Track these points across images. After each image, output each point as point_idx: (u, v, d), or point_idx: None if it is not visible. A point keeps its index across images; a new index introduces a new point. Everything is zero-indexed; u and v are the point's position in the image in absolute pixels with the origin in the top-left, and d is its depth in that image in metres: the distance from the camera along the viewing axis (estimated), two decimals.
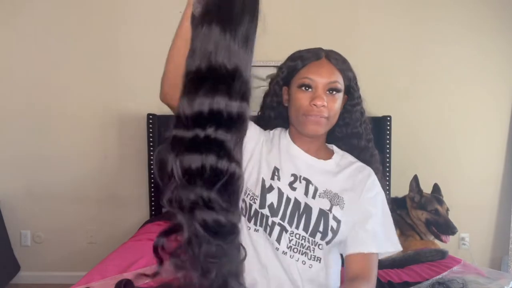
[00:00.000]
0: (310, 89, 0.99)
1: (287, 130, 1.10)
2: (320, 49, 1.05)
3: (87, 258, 2.57)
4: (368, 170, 1.06)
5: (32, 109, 2.68)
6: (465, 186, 2.71)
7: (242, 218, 1.00)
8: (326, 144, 1.11)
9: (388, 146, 2.61)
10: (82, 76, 2.69)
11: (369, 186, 1.03)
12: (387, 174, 2.61)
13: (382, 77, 2.72)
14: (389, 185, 2.62)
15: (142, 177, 2.65)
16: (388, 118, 2.61)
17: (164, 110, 2.92)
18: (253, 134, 1.04)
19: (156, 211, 2.62)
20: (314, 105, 0.97)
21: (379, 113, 2.65)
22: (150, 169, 2.59)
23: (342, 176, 1.04)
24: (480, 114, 2.74)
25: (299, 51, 1.06)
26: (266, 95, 1.11)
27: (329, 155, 1.08)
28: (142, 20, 2.69)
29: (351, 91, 1.08)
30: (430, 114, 2.73)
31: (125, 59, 2.69)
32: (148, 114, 2.59)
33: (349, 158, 1.09)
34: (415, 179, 2.13)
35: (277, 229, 0.97)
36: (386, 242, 1.01)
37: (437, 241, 2.13)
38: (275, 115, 1.11)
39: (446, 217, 2.05)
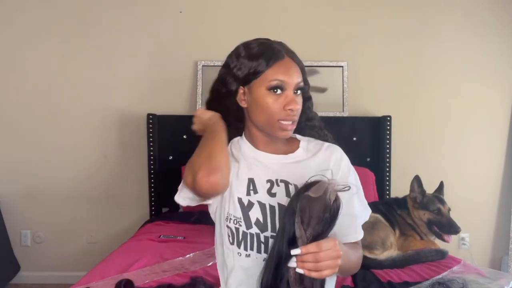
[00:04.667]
0: (279, 91, 0.95)
1: (242, 136, 1.05)
2: (275, 43, 1.00)
3: (87, 258, 2.57)
4: (339, 150, 1.03)
5: (32, 109, 2.68)
6: (465, 186, 2.71)
7: (230, 246, 0.98)
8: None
9: (388, 146, 2.61)
10: (82, 76, 2.69)
11: (344, 169, 1.00)
12: (387, 174, 2.62)
13: (382, 77, 2.72)
14: (389, 185, 2.62)
15: (142, 177, 2.65)
16: (388, 118, 2.61)
17: (164, 110, 2.93)
18: None
19: (156, 211, 2.62)
20: (290, 109, 0.94)
21: (379, 113, 2.65)
22: (150, 169, 2.59)
23: (316, 161, 1.01)
24: (480, 114, 2.74)
25: (249, 48, 0.99)
26: (222, 96, 1.02)
27: (295, 145, 1.04)
28: (142, 20, 2.69)
29: (304, 88, 1.01)
30: (430, 114, 2.73)
31: (125, 59, 2.69)
32: (148, 114, 2.59)
33: (315, 141, 1.06)
34: (417, 179, 2.12)
35: (271, 242, 0.94)
36: (365, 211, 1.00)
37: (437, 241, 2.13)
38: (234, 118, 1.03)
39: (449, 217, 2.04)
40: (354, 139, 2.60)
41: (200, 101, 2.62)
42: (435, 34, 2.71)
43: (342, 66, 2.67)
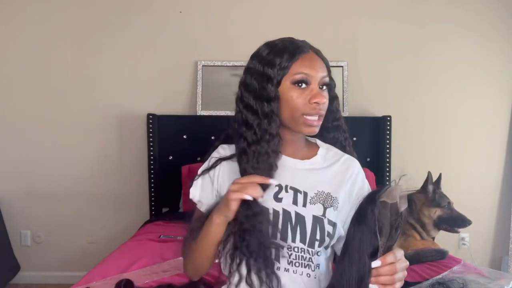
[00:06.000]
0: (304, 85, 0.92)
1: None
2: (298, 40, 0.98)
3: (87, 258, 2.57)
4: (357, 164, 1.03)
5: (31, 110, 2.68)
6: (465, 186, 2.71)
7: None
8: (309, 138, 1.06)
9: (388, 146, 2.61)
10: (82, 76, 2.69)
11: (360, 183, 1.00)
12: (387, 174, 2.62)
13: (382, 77, 2.72)
14: (389, 185, 2.61)
15: (142, 177, 2.64)
16: (388, 118, 2.61)
17: (164, 110, 2.93)
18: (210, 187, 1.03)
19: (156, 211, 2.61)
20: (316, 103, 0.91)
21: (379, 113, 2.65)
22: (150, 169, 2.59)
23: (332, 172, 1.00)
24: (480, 114, 2.74)
25: (275, 45, 0.96)
26: (269, 99, 0.93)
27: (313, 151, 1.03)
28: (142, 20, 2.68)
29: (330, 84, 1.01)
30: (430, 114, 2.73)
31: (125, 59, 2.69)
32: (148, 114, 2.58)
33: (334, 150, 1.05)
34: (429, 176, 2.12)
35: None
36: None
37: (437, 241, 2.13)
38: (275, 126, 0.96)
39: (457, 211, 2.07)
40: (354, 139, 2.59)
41: (200, 101, 2.61)
42: (435, 34, 2.71)
43: (342, 66, 2.67)
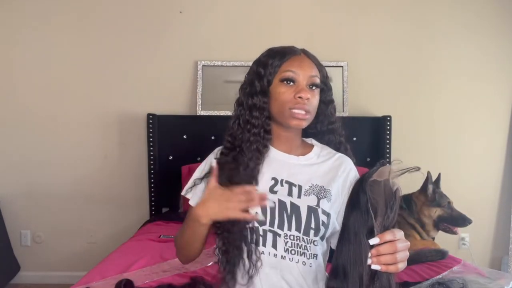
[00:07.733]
0: (292, 83, 0.99)
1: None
2: (294, 46, 1.06)
3: (87, 258, 2.58)
4: (350, 161, 1.08)
5: (31, 110, 2.68)
6: (465, 186, 2.71)
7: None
8: (304, 139, 1.12)
9: (388, 146, 2.61)
10: (82, 76, 2.69)
11: (352, 180, 1.03)
12: None
13: (382, 77, 2.72)
14: None
15: (142, 177, 2.64)
16: (388, 118, 2.61)
17: (164, 110, 2.93)
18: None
19: (156, 211, 2.61)
20: (299, 97, 0.97)
21: (379, 113, 2.66)
22: (150, 169, 2.59)
23: (325, 167, 1.04)
24: (480, 114, 2.74)
25: (272, 49, 1.05)
26: (254, 94, 1.02)
27: (309, 149, 1.08)
28: (142, 20, 2.69)
29: (325, 88, 1.07)
30: (430, 114, 2.73)
31: (125, 59, 2.69)
32: (148, 114, 2.59)
33: (329, 149, 1.10)
34: (429, 176, 2.12)
35: (269, 235, 0.97)
36: None
37: (437, 241, 2.13)
38: (264, 117, 1.04)
39: (458, 210, 2.07)
40: (354, 139, 2.60)
41: (200, 101, 2.62)
42: (434, 34, 2.71)
43: (342, 66, 2.67)
